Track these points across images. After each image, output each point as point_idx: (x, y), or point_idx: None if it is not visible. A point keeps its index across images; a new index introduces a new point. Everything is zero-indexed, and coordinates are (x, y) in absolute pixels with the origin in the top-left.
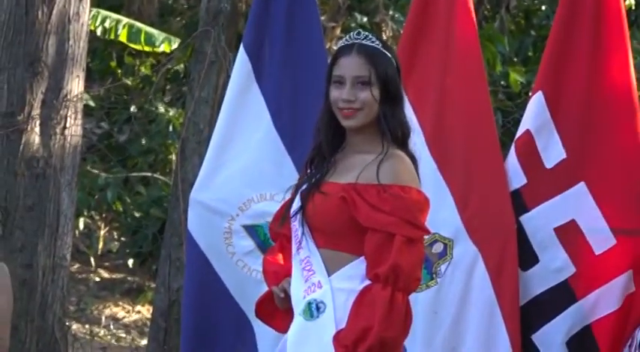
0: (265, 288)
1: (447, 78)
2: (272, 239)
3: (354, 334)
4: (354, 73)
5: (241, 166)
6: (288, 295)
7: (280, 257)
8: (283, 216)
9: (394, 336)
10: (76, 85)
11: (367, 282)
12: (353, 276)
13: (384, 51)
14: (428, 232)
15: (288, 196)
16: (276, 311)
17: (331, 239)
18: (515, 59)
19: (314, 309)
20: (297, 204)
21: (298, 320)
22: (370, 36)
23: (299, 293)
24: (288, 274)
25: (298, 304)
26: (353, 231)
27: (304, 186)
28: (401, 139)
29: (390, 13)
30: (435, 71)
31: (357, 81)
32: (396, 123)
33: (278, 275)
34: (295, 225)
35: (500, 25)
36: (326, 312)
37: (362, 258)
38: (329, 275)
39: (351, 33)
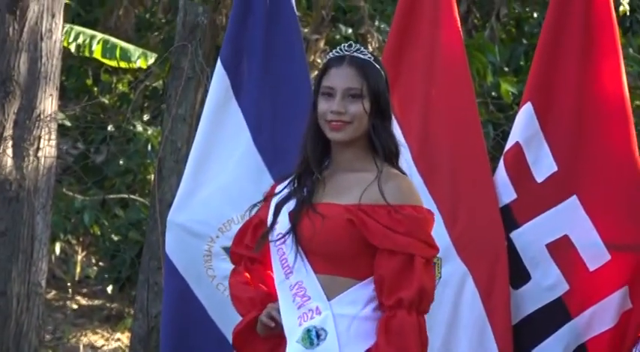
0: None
1: (432, 89)
2: (233, 262)
3: None
4: (345, 84)
5: (220, 185)
6: (277, 323)
7: (249, 280)
8: (262, 237)
9: None
10: (49, 104)
11: (370, 307)
12: (355, 301)
13: (375, 64)
14: (438, 250)
15: (252, 214)
16: (255, 339)
17: (332, 263)
18: (506, 69)
19: (314, 337)
20: (285, 225)
21: (296, 348)
22: (362, 48)
23: (292, 321)
24: (265, 300)
25: (293, 332)
26: (359, 255)
27: (290, 205)
28: (393, 155)
29: (376, 24)
30: (420, 83)
31: (348, 93)
32: (388, 138)
33: (255, 301)
34: (282, 248)
35: (491, 33)
36: (327, 339)
37: (364, 282)
38: (328, 300)
39: (343, 45)
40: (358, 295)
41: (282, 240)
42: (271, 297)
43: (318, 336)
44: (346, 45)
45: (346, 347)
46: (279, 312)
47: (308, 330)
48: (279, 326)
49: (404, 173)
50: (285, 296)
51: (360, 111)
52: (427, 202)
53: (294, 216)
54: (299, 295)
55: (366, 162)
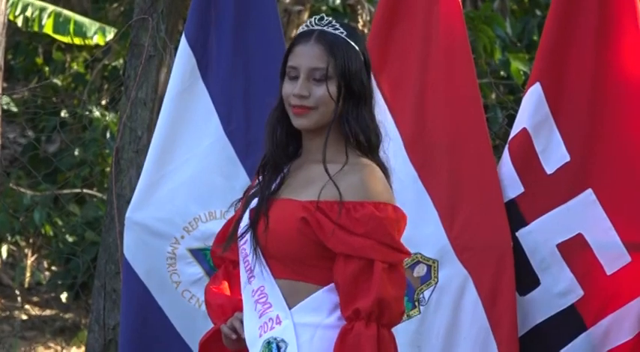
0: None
1: (429, 69)
2: (215, 265)
3: None
4: (309, 64)
5: (186, 179)
6: (239, 335)
7: (226, 286)
8: (230, 236)
9: None
10: None
11: (336, 315)
12: (318, 309)
13: (348, 40)
14: (409, 254)
15: (234, 212)
16: (223, 351)
17: (291, 267)
18: (518, 45)
19: (274, 350)
20: (244, 222)
21: None
22: (334, 22)
23: (253, 331)
24: (237, 307)
25: (254, 344)
26: (317, 258)
27: (253, 202)
28: (368, 146)
29: None
30: (414, 63)
31: (312, 74)
32: (362, 126)
33: (224, 309)
34: (245, 249)
35: (500, 4)
36: (288, 351)
37: (327, 287)
38: (289, 307)
39: (313, 18)
40: (321, 302)
41: (243, 239)
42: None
43: (278, 349)
44: (317, 18)
45: None
46: (242, 322)
47: (268, 342)
48: (242, 340)
49: (383, 165)
50: (247, 303)
51: (324, 94)
52: (421, 198)
53: (253, 213)
54: (260, 302)
55: (337, 152)
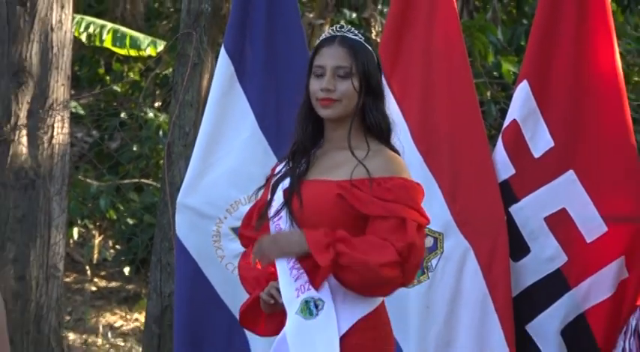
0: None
1: (431, 72)
2: (243, 245)
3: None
4: (335, 63)
5: (228, 168)
6: (276, 300)
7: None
8: (260, 217)
9: (374, 274)
10: (61, 93)
11: None
12: None
13: (366, 45)
14: (429, 220)
15: (258, 197)
16: (260, 316)
17: None
18: (508, 49)
19: (312, 307)
20: (279, 202)
21: (296, 319)
22: (353, 29)
23: (290, 293)
24: (269, 278)
25: (291, 303)
26: (351, 228)
27: (285, 183)
28: (385, 134)
29: (379, 7)
30: (419, 65)
31: (337, 72)
32: (379, 116)
33: (259, 280)
34: (280, 224)
35: (492, 14)
36: (325, 309)
37: None
38: None
39: (335, 26)
40: None
41: (278, 215)
42: (275, 276)
43: (316, 306)
44: (338, 26)
45: (342, 316)
46: (278, 290)
47: (306, 301)
48: (279, 304)
49: (396, 151)
50: (282, 271)
51: (349, 89)
52: (428, 180)
53: (287, 192)
54: (295, 268)
55: (358, 140)
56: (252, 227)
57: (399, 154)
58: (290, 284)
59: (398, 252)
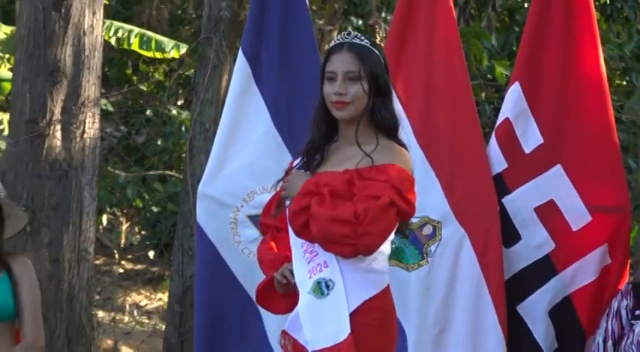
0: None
1: (432, 74)
2: (263, 232)
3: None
4: (345, 68)
5: (244, 161)
6: (288, 280)
7: (273, 246)
8: (278, 207)
9: (336, 235)
10: (92, 91)
11: (369, 259)
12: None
13: (372, 49)
14: (410, 209)
15: (277, 189)
16: (274, 296)
17: None
18: (501, 54)
19: (324, 287)
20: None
21: (308, 298)
22: (359, 35)
23: (303, 274)
24: (285, 261)
25: (304, 284)
26: None
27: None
28: (393, 130)
29: (383, 15)
30: (421, 68)
31: (347, 76)
32: (388, 114)
33: (275, 262)
34: None
35: (487, 22)
36: (335, 289)
37: None
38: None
39: (342, 33)
40: None
41: None
42: (290, 259)
43: (327, 286)
44: (346, 33)
45: (351, 295)
46: (291, 272)
47: (318, 282)
48: (291, 284)
49: (403, 144)
50: (297, 253)
51: (359, 91)
52: (428, 173)
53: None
54: (308, 251)
55: (369, 136)
56: (271, 215)
57: (406, 148)
58: (303, 265)
59: (354, 214)
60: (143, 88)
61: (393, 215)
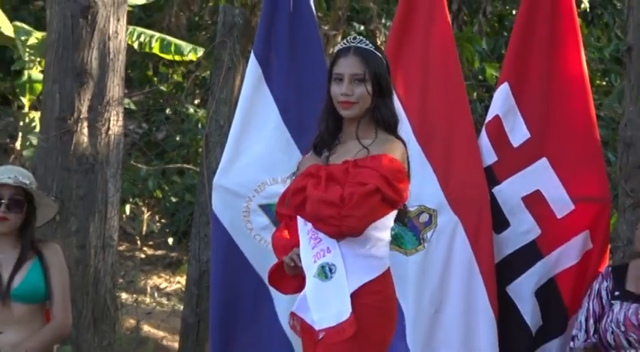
0: (276, 259)
1: (429, 75)
2: (278, 220)
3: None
4: (351, 70)
5: (256, 155)
6: (296, 263)
7: (286, 233)
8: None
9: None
10: (117, 92)
11: (369, 245)
12: (357, 242)
13: (376, 52)
14: (398, 198)
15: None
16: (284, 277)
17: None
18: (491, 57)
19: (327, 271)
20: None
21: (314, 281)
22: (364, 40)
23: (309, 259)
24: (295, 246)
25: (310, 267)
26: None
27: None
28: (392, 126)
29: (383, 21)
30: (418, 70)
31: (354, 78)
32: (388, 112)
33: (286, 247)
34: None
35: (478, 27)
36: (337, 272)
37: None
38: (337, 241)
39: (348, 37)
40: (362, 236)
41: None
42: (299, 245)
43: (330, 270)
44: (351, 37)
45: (351, 278)
46: (298, 256)
47: (322, 266)
48: (299, 267)
49: (401, 139)
50: (303, 240)
51: (364, 92)
52: (425, 166)
53: None
54: (313, 238)
55: (369, 131)
56: (285, 204)
57: (403, 143)
58: (309, 251)
59: (340, 198)
60: (163, 88)
61: (377, 201)
